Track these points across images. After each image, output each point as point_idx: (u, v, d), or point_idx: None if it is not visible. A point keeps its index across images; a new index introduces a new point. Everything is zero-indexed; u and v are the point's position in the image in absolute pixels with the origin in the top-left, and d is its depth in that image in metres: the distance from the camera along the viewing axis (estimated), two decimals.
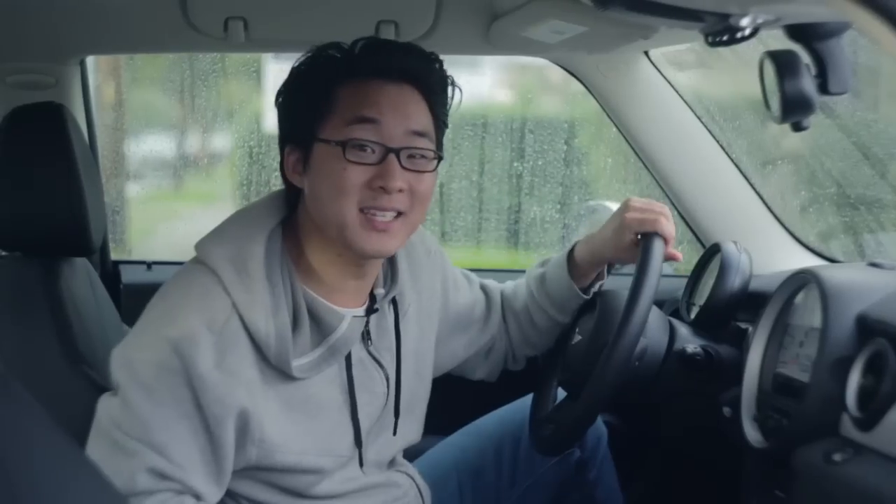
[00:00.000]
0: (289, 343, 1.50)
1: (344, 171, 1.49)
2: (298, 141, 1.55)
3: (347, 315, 1.57)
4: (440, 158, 1.57)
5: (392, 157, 1.50)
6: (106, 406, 1.49)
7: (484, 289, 1.91)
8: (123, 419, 1.45)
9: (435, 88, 1.58)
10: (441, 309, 1.81)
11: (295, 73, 1.58)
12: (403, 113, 1.52)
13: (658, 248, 1.69)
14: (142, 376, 1.45)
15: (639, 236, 1.74)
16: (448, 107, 1.61)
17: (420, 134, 1.54)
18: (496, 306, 1.90)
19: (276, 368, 1.51)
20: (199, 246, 1.55)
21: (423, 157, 1.54)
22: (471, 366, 1.92)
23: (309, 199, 1.55)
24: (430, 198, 1.56)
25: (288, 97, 1.59)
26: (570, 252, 1.84)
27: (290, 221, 1.59)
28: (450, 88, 1.60)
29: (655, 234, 1.71)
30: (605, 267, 1.87)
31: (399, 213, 1.52)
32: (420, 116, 1.55)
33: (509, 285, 1.94)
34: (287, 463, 1.54)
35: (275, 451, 1.52)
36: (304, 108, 1.55)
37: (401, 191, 1.50)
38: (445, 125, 1.61)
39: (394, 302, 1.68)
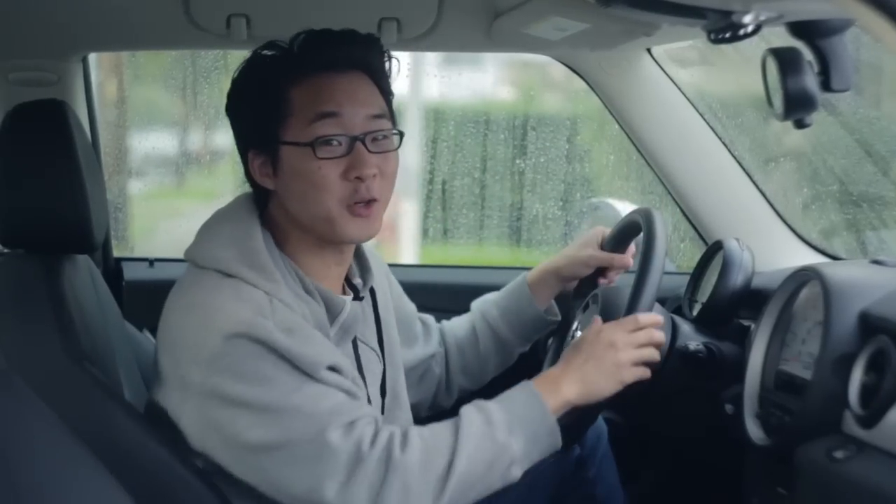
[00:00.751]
0: (326, 319, 1.55)
1: (319, 170, 1.53)
2: (262, 146, 1.57)
3: (346, 299, 1.61)
4: (401, 135, 1.60)
5: (359, 144, 1.54)
6: (231, 443, 1.46)
7: (419, 314, 1.94)
8: (264, 427, 1.44)
9: (380, 69, 1.62)
10: (395, 309, 1.83)
11: (241, 82, 1.60)
12: (359, 100, 1.56)
13: (658, 216, 1.70)
14: (243, 374, 1.43)
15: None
16: (390, 79, 1.64)
17: (378, 116, 1.57)
18: (434, 331, 1.94)
19: None
20: (198, 254, 1.56)
21: (385, 137, 1.57)
22: None
23: (286, 199, 1.57)
24: (396, 176, 1.60)
25: (240, 106, 1.61)
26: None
27: (264, 219, 1.60)
28: (388, 63, 1.63)
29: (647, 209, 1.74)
30: (555, 303, 1.92)
31: (374, 199, 1.55)
32: (374, 99, 1.58)
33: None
34: None
35: None
36: (260, 114, 1.57)
37: (374, 176, 1.54)
38: (392, 94, 1.64)
39: (371, 290, 1.71)
